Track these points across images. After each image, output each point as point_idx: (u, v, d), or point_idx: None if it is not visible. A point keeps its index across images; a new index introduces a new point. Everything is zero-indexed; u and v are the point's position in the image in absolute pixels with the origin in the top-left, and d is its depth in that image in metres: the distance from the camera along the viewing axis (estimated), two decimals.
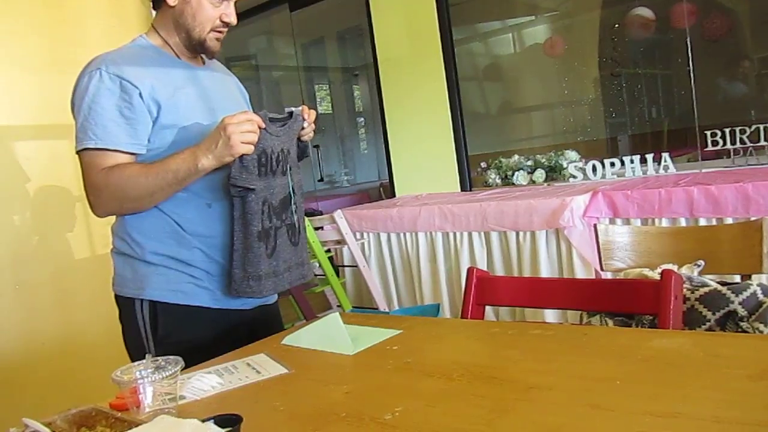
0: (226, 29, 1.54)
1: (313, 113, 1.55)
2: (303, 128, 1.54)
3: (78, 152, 1.42)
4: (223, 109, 1.48)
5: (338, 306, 3.60)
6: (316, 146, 6.91)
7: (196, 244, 1.48)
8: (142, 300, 1.47)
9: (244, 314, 1.55)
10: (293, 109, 1.52)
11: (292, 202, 1.53)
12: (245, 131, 1.34)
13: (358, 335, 1.31)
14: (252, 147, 1.37)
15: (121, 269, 1.52)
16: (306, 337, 1.33)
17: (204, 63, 1.62)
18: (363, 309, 3.64)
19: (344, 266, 3.91)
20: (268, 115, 1.43)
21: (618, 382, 0.92)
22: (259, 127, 1.39)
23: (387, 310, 3.53)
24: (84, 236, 2.72)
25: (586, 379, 0.96)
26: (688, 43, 3.68)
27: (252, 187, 1.41)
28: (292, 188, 1.53)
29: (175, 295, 1.47)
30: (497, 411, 0.88)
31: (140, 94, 1.40)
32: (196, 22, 1.49)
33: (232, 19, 1.52)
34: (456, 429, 0.84)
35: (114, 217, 1.52)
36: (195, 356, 1.29)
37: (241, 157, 1.38)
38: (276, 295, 1.67)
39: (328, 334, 1.30)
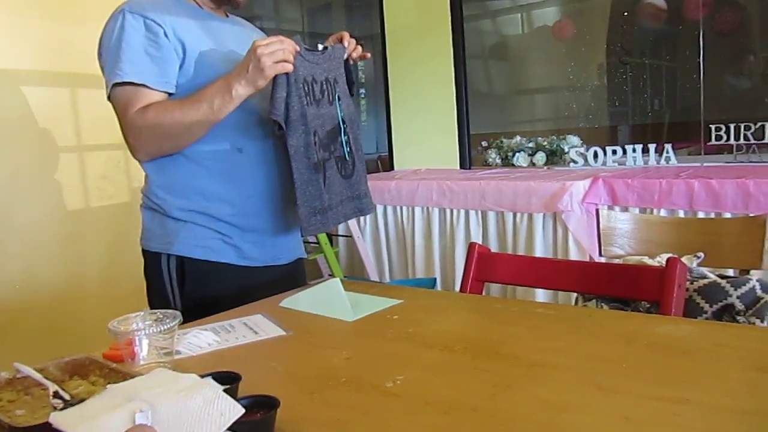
0: None
1: (353, 41, 1.54)
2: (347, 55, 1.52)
3: (109, 96, 1.38)
4: None
5: (330, 275, 3.58)
6: None
7: (226, 197, 1.45)
8: (169, 255, 1.45)
9: (271, 273, 1.52)
10: (325, 45, 1.50)
11: (342, 133, 1.50)
12: (276, 51, 1.30)
13: (358, 302, 1.29)
14: (283, 68, 1.32)
15: (149, 224, 1.49)
16: (305, 300, 1.31)
17: (227, 16, 1.59)
18: (355, 279, 3.63)
19: (338, 236, 3.89)
20: (300, 41, 1.39)
21: (624, 365, 0.91)
22: (295, 53, 1.35)
23: (379, 281, 3.52)
24: (79, 187, 2.68)
25: (592, 360, 0.94)
26: (701, 35, 3.64)
27: (282, 125, 1.37)
28: (342, 119, 1.50)
29: (202, 251, 1.45)
30: (501, 386, 0.87)
31: (165, 33, 1.37)
32: None
33: None
34: (460, 401, 0.83)
35: (143, 176, 1.50)
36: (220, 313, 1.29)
37: (275, 87, 1.34)
38: (304, 254, 1.65)
39: (328, 299, 1.28)
